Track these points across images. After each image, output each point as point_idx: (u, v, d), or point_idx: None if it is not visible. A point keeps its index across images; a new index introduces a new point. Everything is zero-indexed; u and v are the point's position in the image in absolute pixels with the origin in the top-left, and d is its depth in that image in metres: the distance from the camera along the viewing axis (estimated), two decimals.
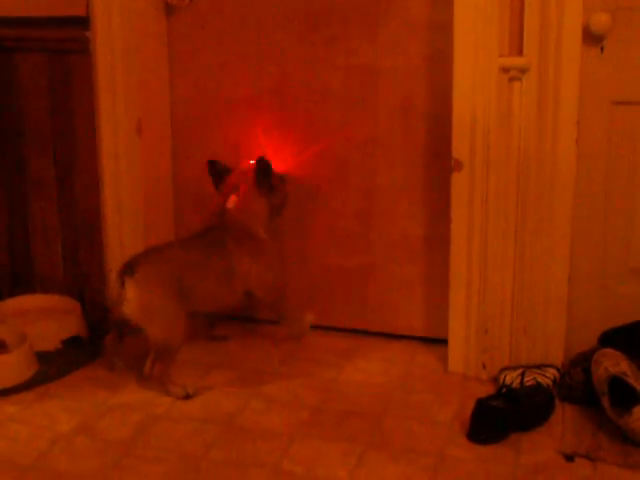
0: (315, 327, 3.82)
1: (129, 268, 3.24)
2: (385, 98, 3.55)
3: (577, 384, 3.14)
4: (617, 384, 2.94)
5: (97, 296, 3.82)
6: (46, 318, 3.75)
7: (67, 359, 3.58)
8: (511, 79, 3.14)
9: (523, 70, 3.12)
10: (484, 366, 3.36)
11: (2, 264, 4.01)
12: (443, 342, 3.50)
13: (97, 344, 3.53)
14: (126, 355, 3.46)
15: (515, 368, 3.28)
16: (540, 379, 3.20)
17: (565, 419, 3.04)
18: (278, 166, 3.59)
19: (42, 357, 3.53)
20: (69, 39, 3.68)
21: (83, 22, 3.56)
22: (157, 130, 3.80)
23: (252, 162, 3.53)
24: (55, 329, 3.66)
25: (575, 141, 3.15)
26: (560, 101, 3.11)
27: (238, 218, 3.49)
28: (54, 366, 3.51)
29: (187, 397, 3.23)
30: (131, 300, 3.22)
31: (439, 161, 3.44)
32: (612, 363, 3.02)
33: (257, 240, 3.50)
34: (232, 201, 3.49)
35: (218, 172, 3.56)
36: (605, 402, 2.95)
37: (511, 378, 3.23)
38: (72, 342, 3.69)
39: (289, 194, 3.62)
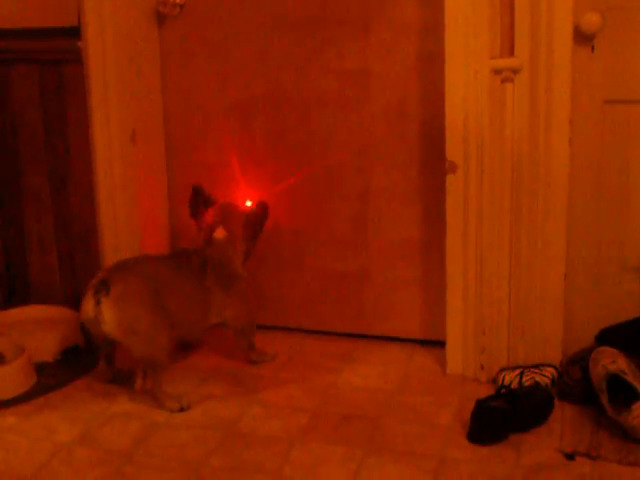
0: (312, 332, 3.84)
1: (103, 286, 3.14)
2: (378, 101, 3.55)
3: (575, 383, 3.15)
4: (615, 382, 2.95)
5: None
6: (44, 329, 3.75)
7: (66, 369, 3.58)
8: (503, 80, 3.14)
9: (515, 71, 3.12)
10: (482, 367, 3.37)
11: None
12: (441, 344, 3.51)
13: (95, 353, 3.52)
14: (121, 371, 3.45)
15: (513, 368, 3.28)
16: (539, 379, 3.21)
17: (564, 418, 3.05)
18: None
19: (41, 368, 3.53)
20: (61, 50, 3.69)
21: (75, 32, 3.57)
22: (151, 139, 3.81)
23: (247, 204, 3.59)
24: (53, 340, 3.66)
25: (568, 140, 3.15)
26: (552, 101, 3.12)
27: (222, 250, 3.46)
28: (53, 377, 3.50)
29: (182, 410, 3.19)
30: (110, 320, 3.13)
31: (433, 163, 3.45)
32: (610, 361, 3.02)
33: (235, 274, 3.48)
34: (221, 233, 3.47)
35: (200, 200, 3.52)
36: (604, 400, 2.96)
37: (510, 378, 3.23)
38: (70, 352, 3.69)
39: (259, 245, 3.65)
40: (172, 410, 3.19)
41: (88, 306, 3.17)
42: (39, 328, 3.77)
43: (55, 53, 3.73)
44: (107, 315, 3.12)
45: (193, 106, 3.82)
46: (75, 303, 3.85)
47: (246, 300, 3.54)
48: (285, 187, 3.72)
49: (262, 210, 3.51)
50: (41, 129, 3.87)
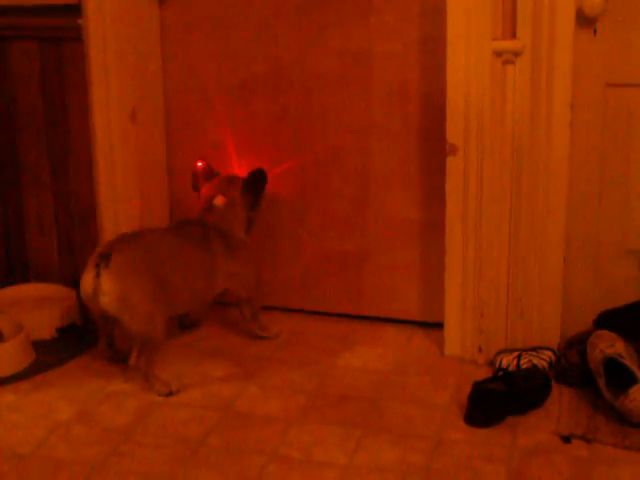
0: (311, 313, 3.84)
1: (104, 258, 3.12)
2: (380, 82, 3.55)
3: (573, 366, 3.16)
4: (613, 365, 2.95)
5: None
6: (42, 307, 3.76)
7: (63, 347, 3.58)
8: (505, 62, 3.14)
9: (516, 53, 3.12)
10: (480, 349, 3.37)
11: None
12: (439, 326, 3.51)
13: (93, 332, 3.52)
14: (121, 351, 3.42)
15: (511, 351, 3.29)
16: (536, 361, 3.21)
17: (561, 401, 3.06)
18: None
19: (38, 346, 3.53)
20: (61, 27, 3.68)
21: (75, 10, 3.55)
22: (151, 117, 3.80)
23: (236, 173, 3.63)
24: (51, 318, 3.67)
25: (569, 124, 3.15)
26: (554, 84, 3.11)
27: (223, 217, 3.48)
28: (51, 355, 3.51)
29: (170, 394, 3.17)
30: (108, 292, 3.10)
31: (434, 145, 3.44)
32: (607, 344, 3.03)
33: (238, 240, 3.50)
34: (220, 200, 3.48)
35: (203, 173, 3.55)
36: (601, 383, 2.96)
37: (507, 361, 3.24)
38: (68, 330, 3.70)
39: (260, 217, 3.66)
40: (160, 394, 3.16)
41: (88, 278, 3.16)
42: (37, 306, 3.78)
43: (55, 30, 3.72)
44: (105, 286, 3.10)
45: (193, 85, 3.81)
46: (74, 282, 3.86)
47: (251, 266, 3.55)
48: (285, 168, 3.72)
49: (259, 175, 3.51)
50: (40, 107, 3.87)
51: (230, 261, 3.44)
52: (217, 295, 3.51)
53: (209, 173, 3.55)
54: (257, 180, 3.51)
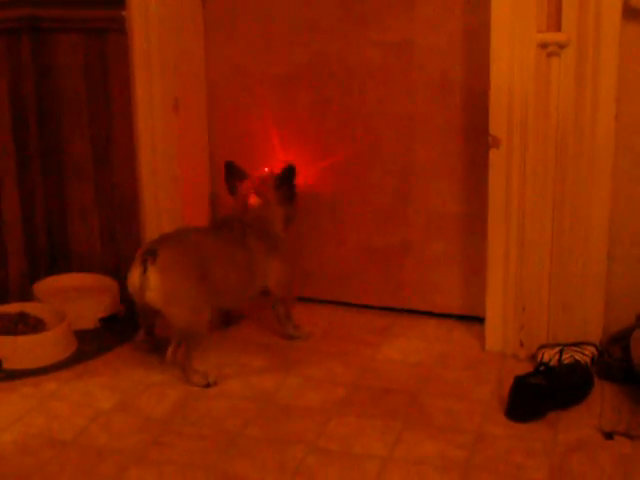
0: (352, 305, 3.83)
1: (151, 253, 3.18)
2: (422, 74, 3.53)
3: (616, 362, 3.13)
4: None
5: None
6: (84, 297, 3.79)
7: (105, 337, 3.61)
8: (549, 55, 3.11)
9: (562, 46, 3.09)
10: (522, 344, 3.35)
11: (40, 243, 4.03)
12: (480, 320, 3.49)
13: (135, 322, 3.53)
14: (160, 342, 3.42)
15: (553, 346, 3.26)
16: (578, 357, 3.18)
17: (604, 397, 3.03)
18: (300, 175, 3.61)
19: (80, 335, 3.55)
20: (106, 19, 3.69)
21: (119, 2, 3.57)
22: (193, 109, 3.80)
23: (269, 169, 3.62)
24: (93, 307, 3.69)
25: (614, 117, 3.11)
26: (599, 77, 3.08)
27: (259, 216, 3.48)
28: (93, 344, 3.54)
29: (208, 386, 3.19)
30: (155, 287, 3.16)
31: (477, 138, 3.42)
32: None
33: (276, 238, 3.50)
34: (254, 199, 3.49)
35: (234, 175, 3.54)
36: None
37: (549, 356, 3.21)
38: (110, 320, 3.72)
39: (299, 211, 3.64)
40: (198, 385, 3.19)
41: (135, 274, 3.21)
42: (79, 296, 3.81)
43: (99, 22, 3.73)
44: (153, 282, 3.15)
45: (236, 76, 3.81)
46: (115, 272, 3.89)
47: (287, 264, 3.55)
48: (327, 164, 3.72)
49: (290, 171, 3.50)
50: (84, 98, 3.88)
51: (268, 258, 3.45)
52: (258, 293, 3.51)
53: (240, 174, 3.53)
54: (289, 176, 3.50)
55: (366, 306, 3.84)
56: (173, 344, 3.22)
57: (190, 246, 3.28)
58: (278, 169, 3.56)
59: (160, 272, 3.16)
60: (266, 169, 3.64)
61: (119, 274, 3.86)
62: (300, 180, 3.59)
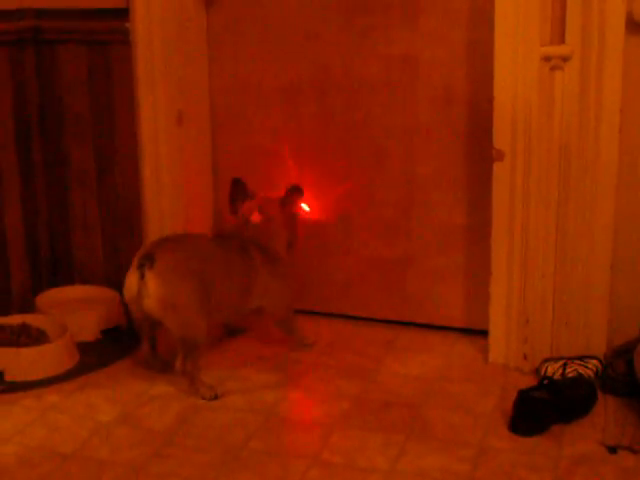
0: (354, 318, 3.82)
1: (148, 258, 3.12)
2: (426, 87, 3.53)
3: (619, 376, 3.12)
4: None
5: None
6: (86, 308, 3.77)
7: (107, 349, 3.60)
8: (553, 68, 3.11)
9: (565, 59, 3.09)
10: (525, 357, 3.34)
11: (42, 254, 4.03)
12: (483, 333, 3.48)
13: (138, 336, 3.52)
14: (163, 354, 3.42)
15: (557, 359, 3.26)
16: (582, 370, 3.18)
17: (607, 411, 3.02)
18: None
19: (83, 347, 3.55)
20: (109, 30, 3.69)
21: (123, 13, 3.58)
22: (197, 121, 3.80)
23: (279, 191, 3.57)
24: (95, 319, 3.69)
25: (618, 130, 3.11)
26: (603, 90, 3.08)
27: (262, 233, 3.46)
28: (94, 356, 3.53)
29: (215, 398, 3.16)
30: (153, 294, 3.10)
31: (480, 151, 3.42)
32: None
33: (277, 259, 3.47)
34: (257, 217, 3.47)
35: (239, 193, 3.50)
36: None
37: (553, 369, 3.20)
38: (112, 332, 3.71)
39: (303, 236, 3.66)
40: (205, 398, 3.16)
41: (132, 279, 3.15)
42: (81, 307, 3.80)
43: (103, 34, 3.74)
44: (150, 288, 3.10)
45: (240, 88, 3.81)
46: (118, 284, 3.87)
47: (287, 286, 3.52)
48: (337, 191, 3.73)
49: (295, 191, 3.50)
50: (87, 110, 3.88)
51: (267, 277, 3.41)
52: (251, 310, 3.48)
53: (246, 193, 3.51)
54: (294, 197, 3.50)
55: (370, 319, 3.83)
56: (181, 355, 3.19)
57: (190, 251, 3.24)
58: (283, 189, 3.54)
59: (158, 277, 3.10)
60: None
61: (121, 286, 3.85)
62: (305, 201, 3.61)
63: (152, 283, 3.10)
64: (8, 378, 3.31)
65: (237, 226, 3.50)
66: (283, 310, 3.51)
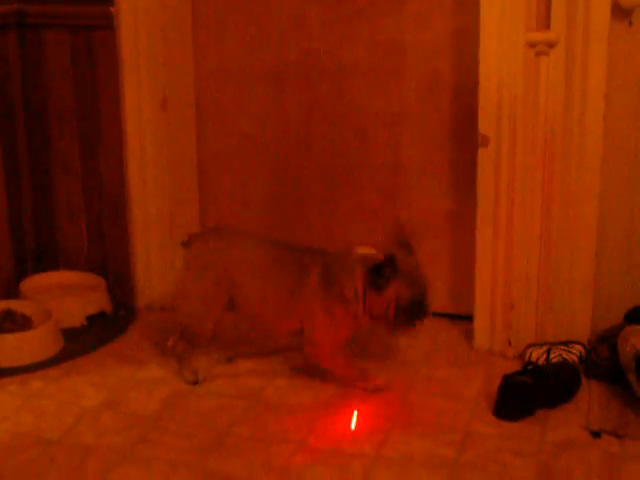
0: None
1: (186, 244, 3.20)
2: (411, 73, 3.52)
3: (603, 361, 3.13)
4: None
5: (121, 272, 3.84)
6: (71, 294, 3.77)
7: (92, 335, 3.59)
8: (538, 54, 3.11)
9: (550, 45, 3.09)
10: (510, 342, 3.35)
11: (27, 241, 4.01)
12: (468, 318, 3.49)
13: (121, 320, 3.51)
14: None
15: (541, 345, 3.27)
16: (566, 356, 3.19)
17: (591, 396, 3.03)
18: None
19: (68, 333, 3.54)
20: (93, 15, 3.67)
21: None
22: (182, 106, 3.79)
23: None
24: (80, 305, 3.68)
25: (602, 116, 3.12)
26: (588, 76, 3.08)
27: (342, 268, 3.05)
28: (79, 342, 3.52)
29: (195, 384, 3.17)
30: (176, 271, 3.24)
31: (465, 136, 3.41)
32: (639, 340, 3.00)
33: (345, 303, 3.03)
34: (365, 249, 3.09)
35: (392, 272, 2.96)
36: (632, 379, 2.93)
37: (537, 355, 3.22)
38: (97, 318, 3.70)
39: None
40: (187, 381, 3.17)
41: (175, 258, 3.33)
42: (67, 294, 3.79)
43: (87, 19, 3.72)
44: (176, 265, 3.25)
45: (225, 73, 3.80)
46: (103, 270, 3.87)
47: (336, 333, 3.11)
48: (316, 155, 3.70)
49: (387, 263, 2.96)
50: (72, 95, 3.86)
51: (320, 313, 3.07)
52: (289, 331, 3.21)
53: (397, 272, 2.96)
54: (380, 269, 2.97)
55: None
56: (176, 335, 3.22)
57: (218, 247, 3.17)
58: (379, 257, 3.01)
59: (184, 259, 3.19)
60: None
61: (106, 272, 3.85)
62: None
63: (178, 261, 3.23)
64: None
65: (332, 252, 3.16)
66: (316, 349, 3.12)
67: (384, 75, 3.57)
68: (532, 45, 3.10)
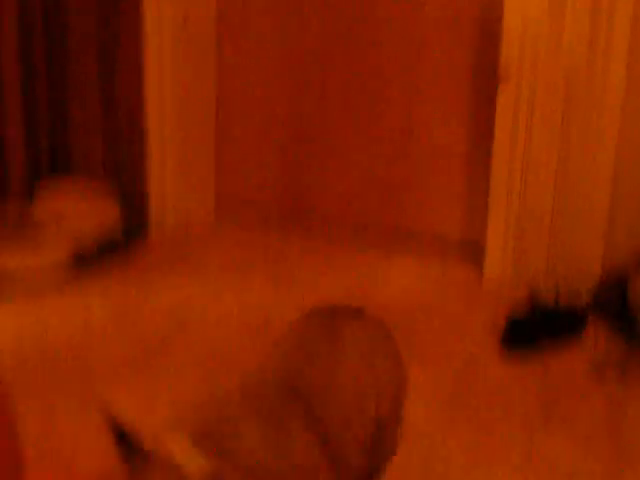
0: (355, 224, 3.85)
1: None
2: (433, 6, 3.48)
3: (612, 297, 3.14)
4: None
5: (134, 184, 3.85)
6: (83, 200, 3.74)
7: (103, 245, 3.59)
8: None
9: None
10: (520, 273, 3.36)
11: (42, 144, 3.96)
12: (480, 247, 3.49)
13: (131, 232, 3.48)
14: None
15: (551, 276, 3.27)
16: (574, 292, 3.19)
17: (597, 331, 3.06)
18: None
19: (78, 258, 3.52)
20: None
21: None
22: (202, 25, 3.76)
23: None
24: (92, 213, 3.65)
25: (625, 63, 3.08)
26: (614, 13, 3.04)
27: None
28: (89, 250, 3.52)
29: None
30: None
31: (486, 73, 3.39)
32: None
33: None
34: None
35: None
36: (639, 316, 2.94)
37: (546, 288, 3.22)
38: (108, 229, 3.68)
39: None
40: None
41: None
42: (78, 199, 3.75)
43: None
44: None
45: None
46: (117, 180, 3.84)
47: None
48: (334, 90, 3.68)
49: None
50: (92, 13, 3.82)
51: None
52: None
53: None
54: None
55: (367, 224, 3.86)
56: None
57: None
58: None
59: None
60: None
61: (120, 183, 3.81)
62: None
63: None
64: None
65: None
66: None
67: (406, 9, 3.53)
68: None
